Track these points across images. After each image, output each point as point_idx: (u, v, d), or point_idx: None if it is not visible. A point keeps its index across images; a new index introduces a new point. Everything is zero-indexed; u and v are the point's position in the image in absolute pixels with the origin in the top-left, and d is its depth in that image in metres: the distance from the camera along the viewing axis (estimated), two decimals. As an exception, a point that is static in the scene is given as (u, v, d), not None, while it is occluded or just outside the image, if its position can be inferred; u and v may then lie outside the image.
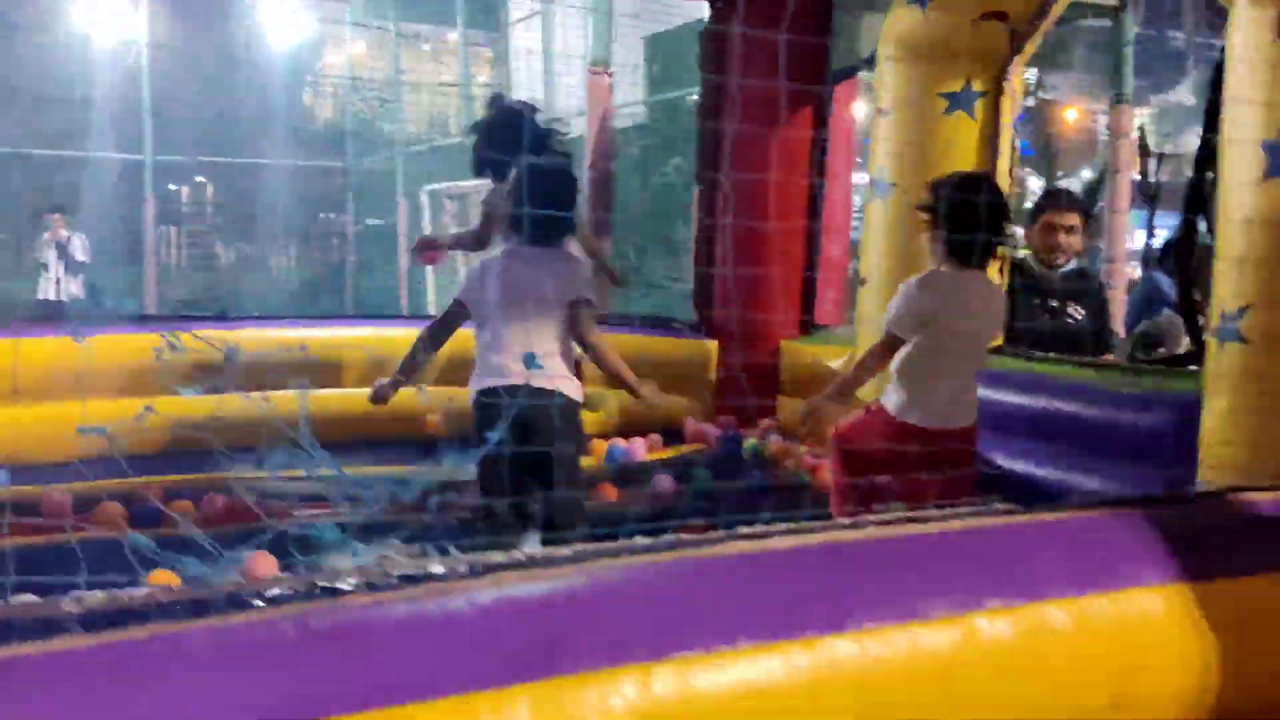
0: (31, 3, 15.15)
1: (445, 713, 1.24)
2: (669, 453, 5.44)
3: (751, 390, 5.70)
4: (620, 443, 5.33)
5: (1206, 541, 1.89)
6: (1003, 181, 4.85)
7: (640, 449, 5.29)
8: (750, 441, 5.31)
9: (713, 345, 6.06)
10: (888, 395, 3.70)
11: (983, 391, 4.57)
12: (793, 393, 5.75)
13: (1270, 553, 1.89)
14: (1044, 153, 20.69)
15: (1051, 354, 4.67)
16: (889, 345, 3.59)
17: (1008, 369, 4.61)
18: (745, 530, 1.72)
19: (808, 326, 5.95)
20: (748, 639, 1.44)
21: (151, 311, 13.67)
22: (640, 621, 1.41)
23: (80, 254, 12.15)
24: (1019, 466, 4.36)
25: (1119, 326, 5.98)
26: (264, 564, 2.62)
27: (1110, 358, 5.00)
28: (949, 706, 1.56)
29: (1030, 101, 18.37)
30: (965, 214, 3.39)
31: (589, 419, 5.75)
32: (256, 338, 5.22)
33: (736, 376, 5.74)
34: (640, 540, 1.67)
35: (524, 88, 14.03)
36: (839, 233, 6.20)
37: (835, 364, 5.50)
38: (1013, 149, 4.96)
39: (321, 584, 1.40)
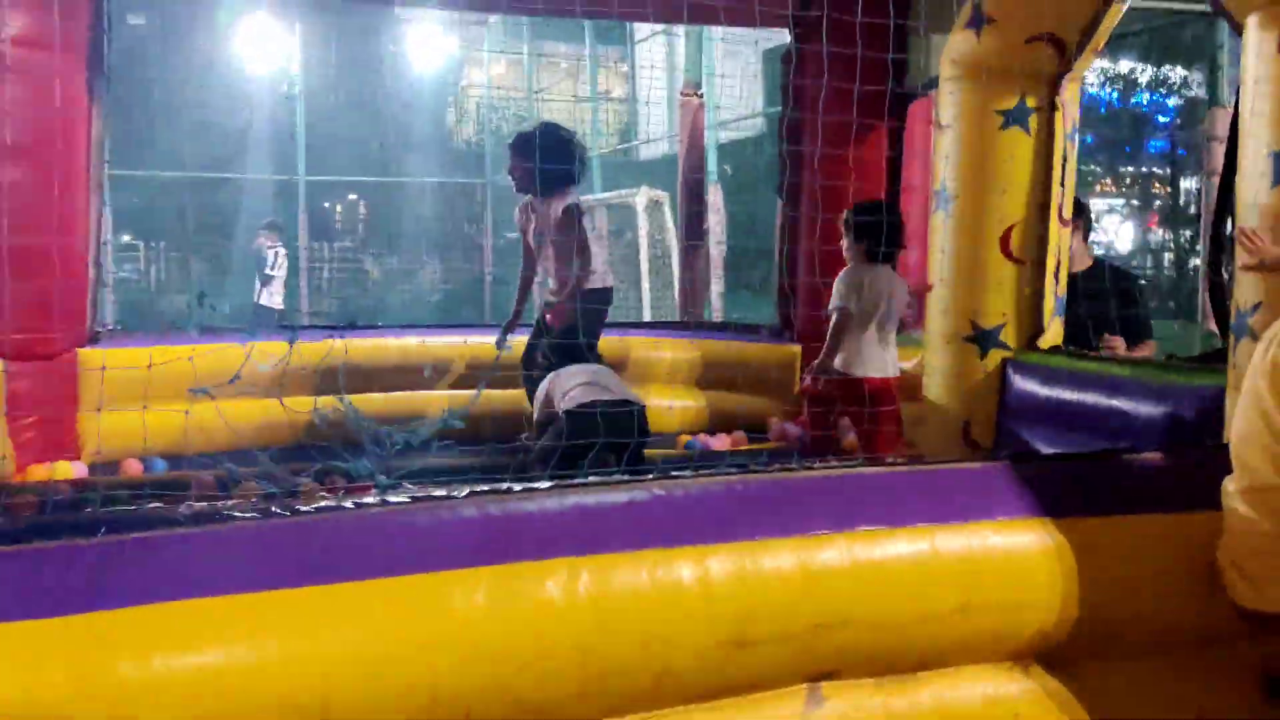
0: (194, 34, 16.30)
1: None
2: (753, 447, 5.86)
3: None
4: (701, 438, 5.78)
5: (1061, 487, 2.30)
6: (1057, 190, 5.16)
7: (719, 443, 5.73)
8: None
9: (796, 349, 6.43)
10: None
11: (1036, 388, 4.92)
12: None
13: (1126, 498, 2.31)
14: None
15: (1091, 351, 4.93)
16: (840, 321, 5.05)
17: (1059, 367, 4.90)
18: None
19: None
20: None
21: (305, 322, 14.67)
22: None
23: (275, 269, 12.94)
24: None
25: None
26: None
27: (1150, 348, 5.25)
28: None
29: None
30: (872, 228, 4.98)
31: (678, 415, 6.24)
32: (399, 346, 5.87)
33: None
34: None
35: (649, 102, 14.53)
36: (918, 242, 6.49)
37: (907, 365, 5.83)
38: (1065, 159, 5.20)
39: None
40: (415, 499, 1.94)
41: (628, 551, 1.91)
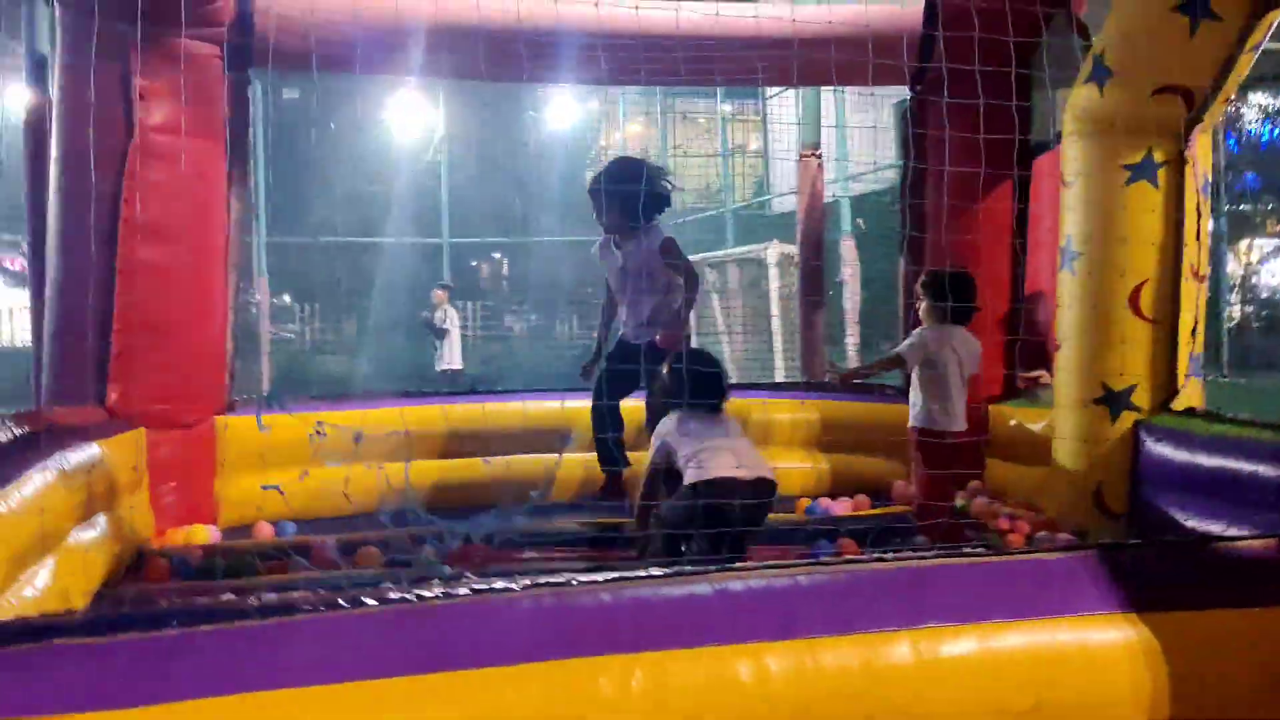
0: (346, 105, 17.04)
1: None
2: (874, 512, 5.73)
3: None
4: (823, 502, 5.69)
5: (1152, 579, 2.17)
6: (1192, 246, 4.95)
7: (840, 508, 5.63)
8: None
9: (916, 410, 6.28)
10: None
11: (1172, 453, 4.69)
12: (997, 455, 5.93)
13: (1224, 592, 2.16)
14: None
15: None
16: (893, 361, 5.23)
17: (1195, 431, 4.67)
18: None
19: (1012, 389, 6.08)
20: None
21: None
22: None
23: (449, 324, 13.26)
24: (1212, 527, 4.36)
25: None
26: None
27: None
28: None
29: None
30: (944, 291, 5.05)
31: (798, 478, 6.17)
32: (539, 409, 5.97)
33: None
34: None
35: (780, 156, 14.53)
36: (1049, 298, 6.31)
37: (1037, 427, 5.65)
38: (1199, 213, 4.99)
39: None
40: (475, 591, 1.96)
41: (683, 649, 1.89)
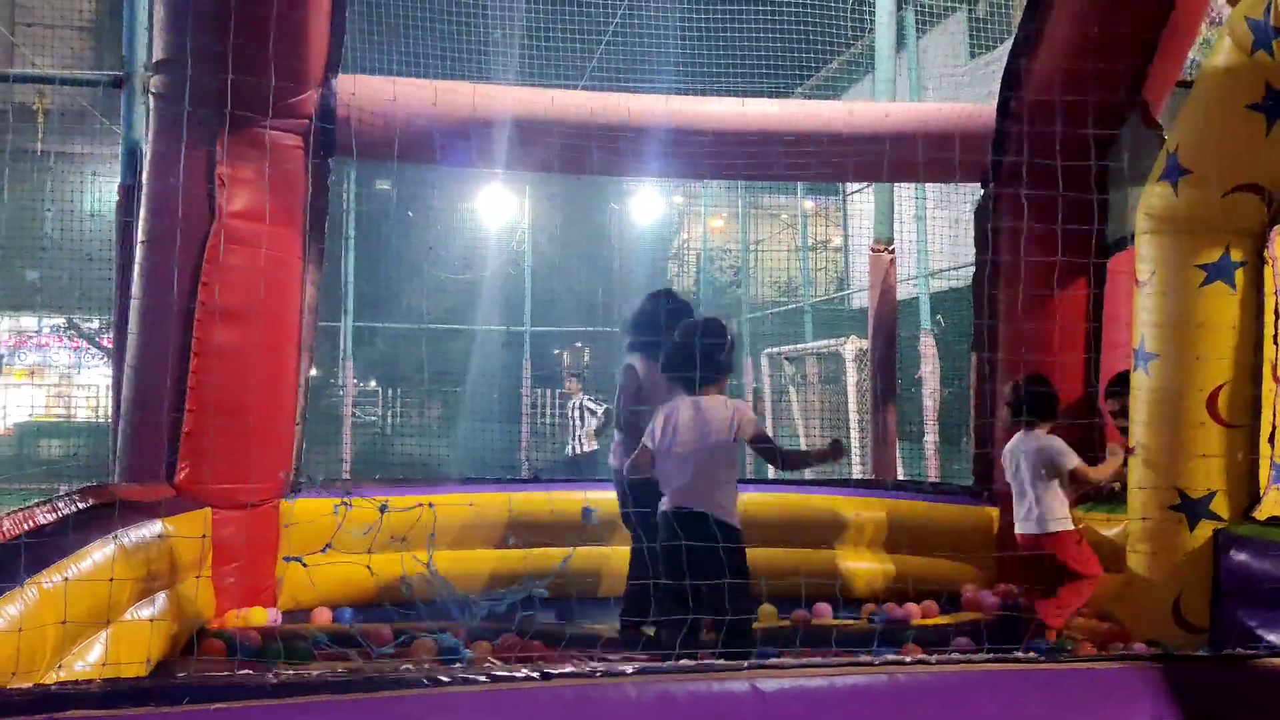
0: (434, 196, 17.47)
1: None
2: (943, 619, 5.56)
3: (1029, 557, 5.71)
4: (889, 607, 5.54)
5: (1208, 696, 2.04)
6: (1272, 348, 4.80)
7: (909, 614, 5.47)
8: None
9: (994, 511, 6.13)
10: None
11: (1254, 564, 4.51)
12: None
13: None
14: None
15: None
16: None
17: (1276, 541, 4.48)
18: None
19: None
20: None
21: (525, 466, 15.14)
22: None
23: (594, 406, 13.34)
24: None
25: None
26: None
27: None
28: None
29: None
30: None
31: (864, 578, 6.03)
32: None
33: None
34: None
35: (859, 252, 14.52)
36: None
37: (1111, 533, 5.47)
38: (1278, 314, 4.85)
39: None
40: (495, 678, 1.93)
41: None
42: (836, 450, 4.67)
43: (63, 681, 2.41)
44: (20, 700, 1.86)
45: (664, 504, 4.41)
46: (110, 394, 6.27)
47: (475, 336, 17.66)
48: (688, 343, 4.47)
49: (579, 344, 22.64)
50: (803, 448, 5.24)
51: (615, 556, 5.51)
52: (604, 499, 5.20)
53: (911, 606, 5.65)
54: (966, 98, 9.93)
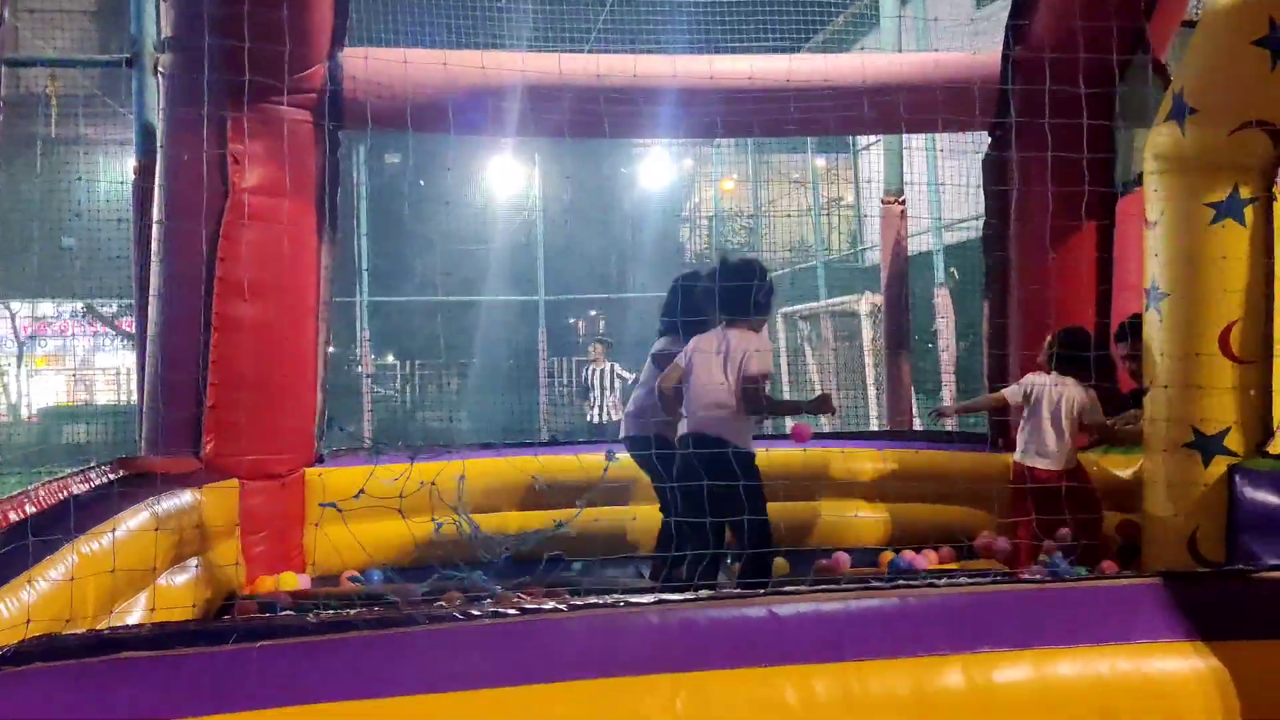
0: (444, 168, 17.50)
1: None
2: (955, 566, 5.63)
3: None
4: (907, 554, 5.61)
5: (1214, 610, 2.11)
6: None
7: (925, 561, 5.54)
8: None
9: (1007, 458, 6.17)
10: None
11: (1269, 498, 4.57)
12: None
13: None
14: None
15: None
16: (997, 400, 5.75)
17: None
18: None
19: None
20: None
21: (544, 435, 15.23)
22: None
23: (625, 374, 13.30)
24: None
25: None
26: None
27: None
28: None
29: None
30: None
31: (881, 528, 6.11)
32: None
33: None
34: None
35: (872, 208, 14.51)
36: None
37: (1125, 473, 5.52)
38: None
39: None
40: (524, 611, 2.01)
41: (729, 669, 1.90)
42: (823, 403, 4.92)
43: (114, 626, 2.50)
44: (77, 644, 1.95)
45: (682, 428, 4.58)
46: (136, 374, 6.36)
47: (490, 308, 17.71)
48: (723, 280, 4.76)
49: (594, 312, 22.67)
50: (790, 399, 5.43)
51: (640, 516, 5.60)
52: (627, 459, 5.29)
53: (930, 554, 5.72)
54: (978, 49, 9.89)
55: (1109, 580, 2.31)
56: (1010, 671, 2.01)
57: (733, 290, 4.71)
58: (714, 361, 4.70)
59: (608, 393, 13.19)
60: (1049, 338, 5.58)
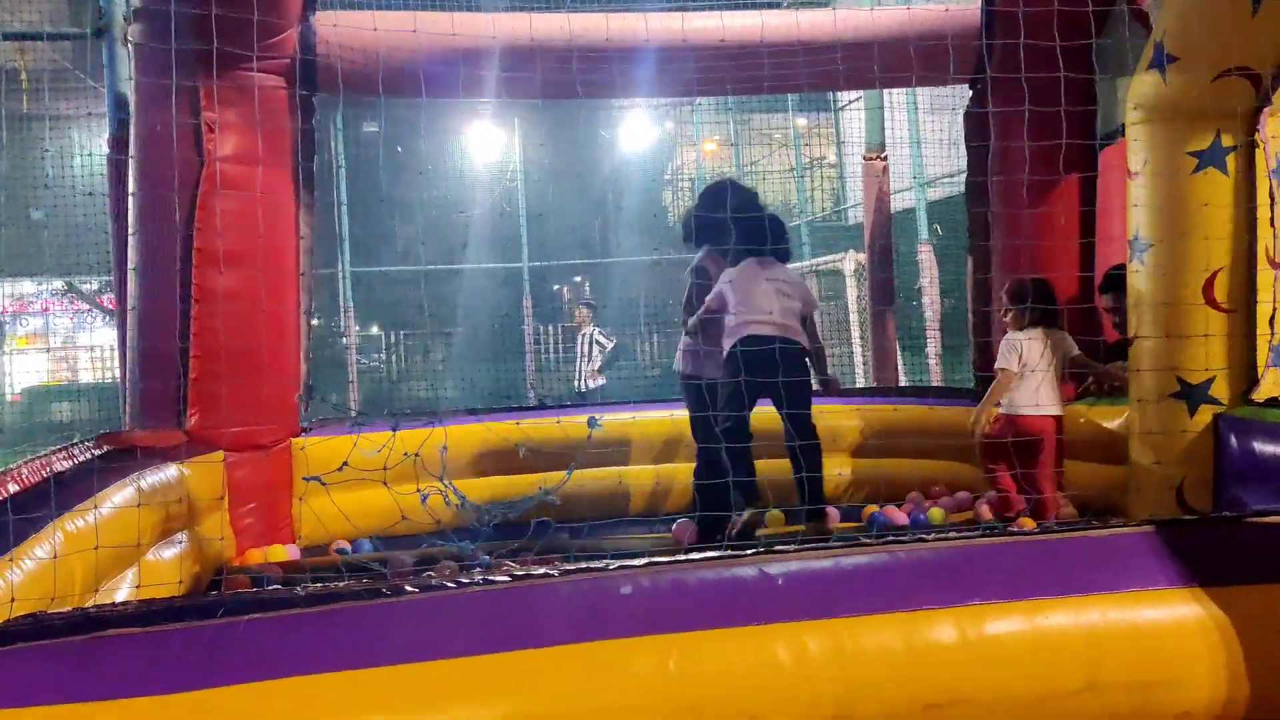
0: (422, 136, 17.35)
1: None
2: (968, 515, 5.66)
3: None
4: (888, 510, 5.63)
5: (1203, 555, 2.11)
6: (1267, 232, 4.82)
7: (902, 516, 5.57)
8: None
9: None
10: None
11: (1255, 446, 4.59)
12: (1073, 455, 5.81)
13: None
14: None
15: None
16: (1001, 380, 5.47)
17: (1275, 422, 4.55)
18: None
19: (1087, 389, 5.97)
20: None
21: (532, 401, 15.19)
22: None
23: (604, 340, 13.20)
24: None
25: None
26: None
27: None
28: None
29: None
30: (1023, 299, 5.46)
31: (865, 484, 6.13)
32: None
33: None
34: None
35: (854, 167, 14.46)
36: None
37: (1112, 424, 5.53)
38: (1272, 198, 4.86)
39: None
40: (515, 577, 1.99)
41: (720, 629, 1.90)
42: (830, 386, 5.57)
43: (99, 604, 2.48)
44: (62, 623, 1.93)
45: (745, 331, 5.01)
46: (118, 350, 6.31)
47: (473, 275, 17.61)
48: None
49: (578, 277, 22.58)
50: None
51: (627, 476, 5.60)
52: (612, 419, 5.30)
53: (909, 506, 5.75)
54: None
55: (1099, 530, 2.31)
56: (1002, 624, 2.01)
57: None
58: (773, 280, 5.15)
59: (584, 359, 13.08)
60: (1011, 285, 5.58)
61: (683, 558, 2.09)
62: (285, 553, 5.27)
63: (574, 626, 1.91)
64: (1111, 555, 2.14)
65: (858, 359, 12.13)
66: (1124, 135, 6.12)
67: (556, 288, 22.36)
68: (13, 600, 2.20)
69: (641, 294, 18.35)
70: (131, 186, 5.35)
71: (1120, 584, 2.08)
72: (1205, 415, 4.85)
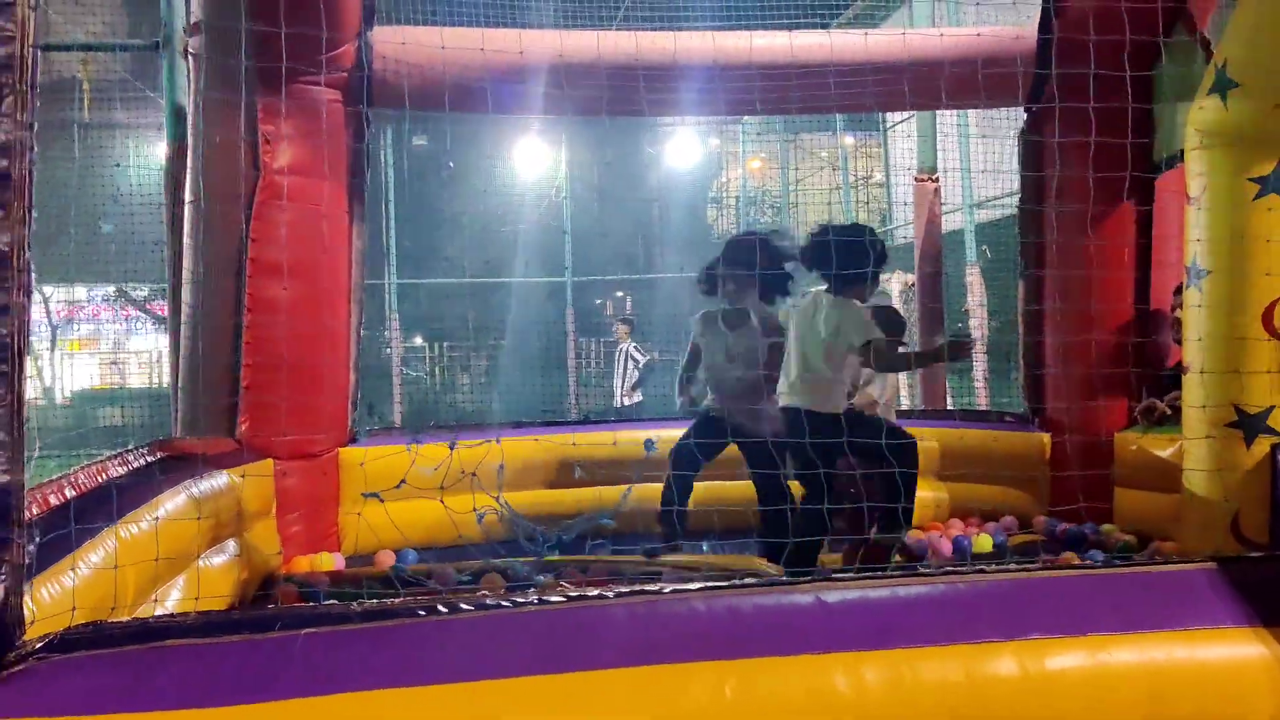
0: (472, 150, 17.47)
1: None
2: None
3: (1086, 482, 5.71)
4: (917, 536, 5.58)
5: (1267, 592, 2.06)
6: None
7: (944, 543, 5.51)
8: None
9: (1044, 437, 6.12)
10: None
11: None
12: (1126, 483, 5.74)
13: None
14: None
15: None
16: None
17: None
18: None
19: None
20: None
21: (574, 415, 15.22)
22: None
23: (639, 356, 13.22)
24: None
25: None
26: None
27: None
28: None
29: None
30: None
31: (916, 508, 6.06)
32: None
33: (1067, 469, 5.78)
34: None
35: (902, 187, 14.40)
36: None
37: (1165, 453, 5.45)
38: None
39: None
40: (570, 598, 1.99)
41: (777, 657, 1.88)
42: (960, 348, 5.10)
43: (159, 615, 2.51)
44: (119, 632, 1.95)
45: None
46: (169, 357, 6.39)
47: (518, 289, 17.69)
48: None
49: (620, 292, 22.61)
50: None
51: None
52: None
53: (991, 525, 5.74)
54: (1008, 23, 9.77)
55: (1161, 566, 2.27)
56: (1063, 658, 1.98)
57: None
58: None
59: (620, 376, 13.12)
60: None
61: (738, 583, 2.08)
62: (331, 561, 5.30)
63: (629, 650, 1.90)
64: (1174, 591, 2.11)
65: (902, 380, 12.04)
66: (1182, 161, 6.06)
67: (599, 302, 22.40)
68: (74, 608, 2.22)
69: (687, 311, 18.34)
70: (188, 196, 5.42)
71: (1183, 621, 2.04)
72: (1263, 446, 4.75)
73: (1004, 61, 5.78)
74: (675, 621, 1.96)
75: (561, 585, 2.33)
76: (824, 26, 12.27)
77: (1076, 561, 4.42)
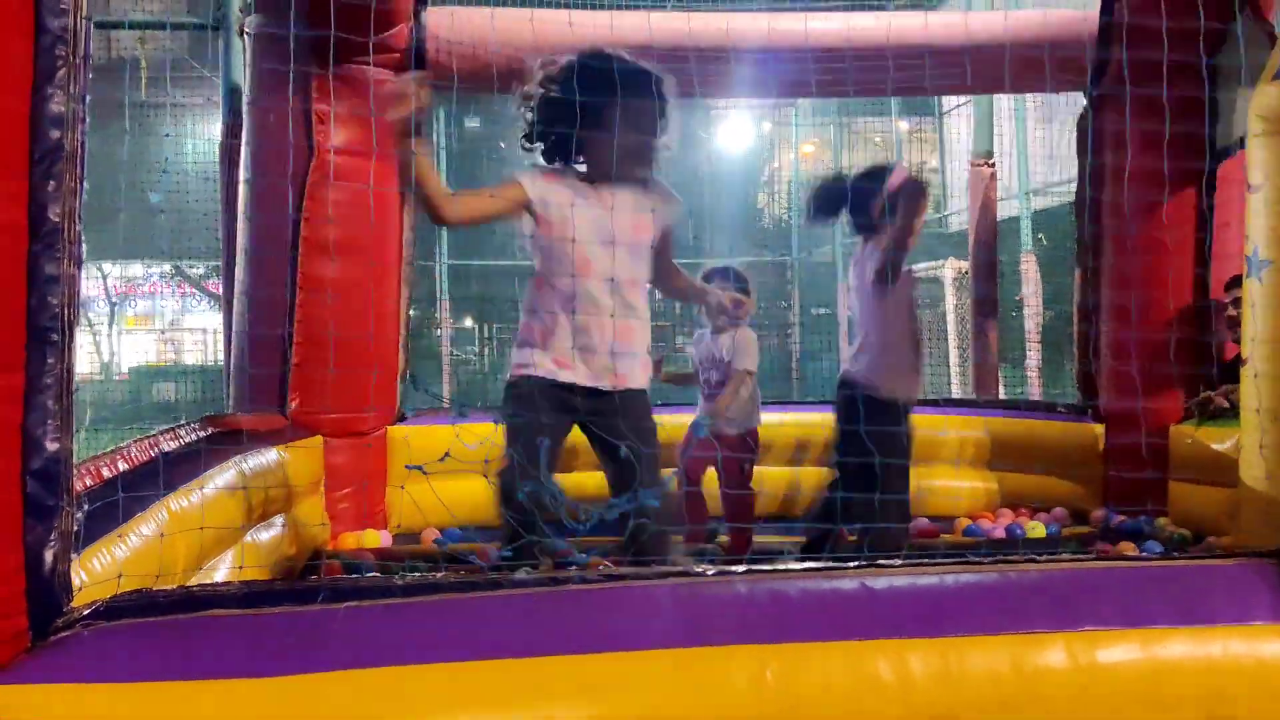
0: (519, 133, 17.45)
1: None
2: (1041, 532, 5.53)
3: (1140, 475, 5.62)
4: (983, 523, 5.51)
5: None
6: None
7: (999, 529, 5.44)
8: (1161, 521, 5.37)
9: (1098, 429, 6.03)
10: None
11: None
12: (1181, 477, 5.63)
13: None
14: None
15: None
16: None
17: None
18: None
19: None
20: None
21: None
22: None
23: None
24: None
25: None
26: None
27: None
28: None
29: None
30: None
31: (965, 497, 5.99)
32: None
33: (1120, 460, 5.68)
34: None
35: (956, 172, 14.23)
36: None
37: (1221, 447, 5.34)
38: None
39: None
40: (610, 577, 1.98)
41: (820, 642, 1.86)
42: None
43: (203, 584, 2.53)
44: (165, 601, 1.97)
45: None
46: (223, 334, 6.47)
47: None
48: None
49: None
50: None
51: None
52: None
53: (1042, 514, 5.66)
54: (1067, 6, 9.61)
55: (1218, 559, 2.21)
56: (1116, 651, 1.94)
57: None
58: None
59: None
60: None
61: (782, 566, 2.06)
62: (378, 538, 5.34)
63: (670, 630, 1.88)
64: (1233, 585, 2.06)
65: (954, 368, 11.92)
66: (1243, 148, 5.91)
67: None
68: (120, 576, 2.25)
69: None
70: (243, 174, 5.46)
71: (1244, 616, 1.99)
72: (1324, 440, 4.65)
73: (1070, 45, 5.67)
74: (718, 604, 1.95)
75: (604, 564, 2.33)
76: (882, 6, 12.12)
77: (1132, 552, 4.34)
